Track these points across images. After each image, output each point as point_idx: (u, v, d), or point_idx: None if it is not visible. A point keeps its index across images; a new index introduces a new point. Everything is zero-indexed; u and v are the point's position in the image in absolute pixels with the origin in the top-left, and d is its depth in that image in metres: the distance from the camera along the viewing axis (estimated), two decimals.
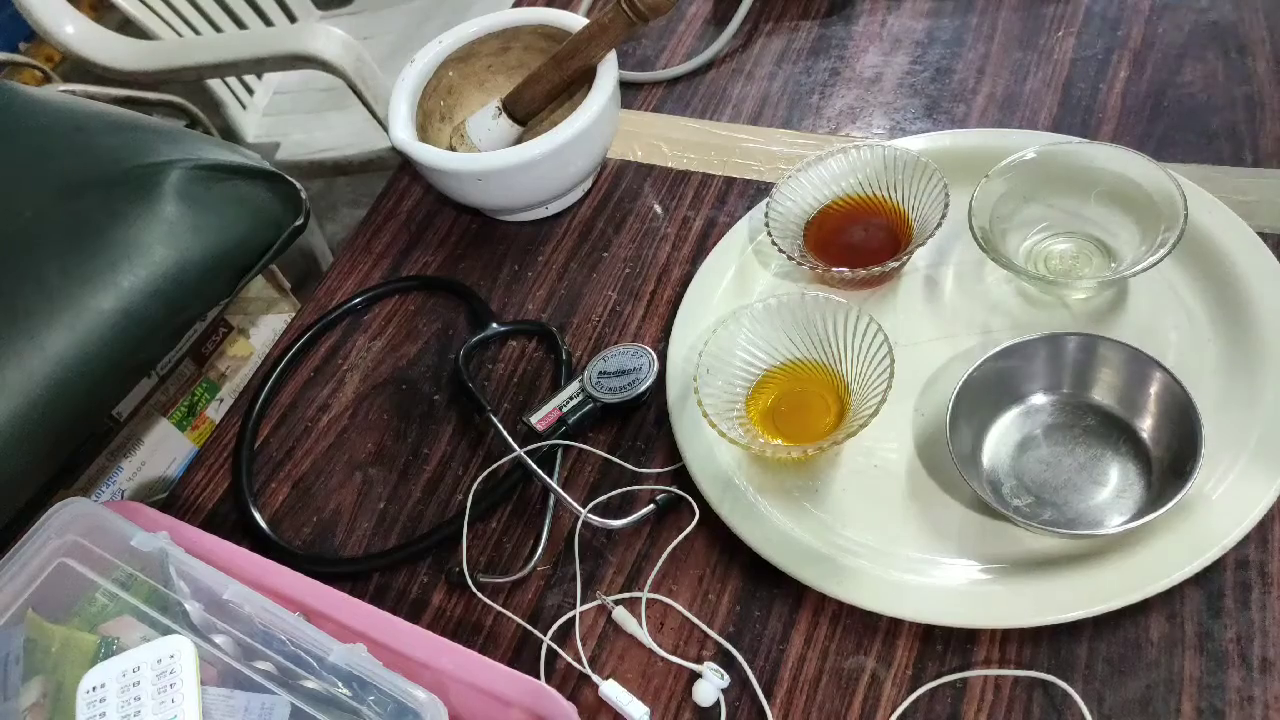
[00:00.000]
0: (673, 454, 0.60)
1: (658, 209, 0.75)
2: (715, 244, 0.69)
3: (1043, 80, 0.74)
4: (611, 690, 0.52)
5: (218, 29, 1.48)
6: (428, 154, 0.70)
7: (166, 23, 1.41)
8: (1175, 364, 0.53)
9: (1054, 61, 0.75)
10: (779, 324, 0.60)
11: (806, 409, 0.59)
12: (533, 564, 0.58)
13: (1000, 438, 0.56)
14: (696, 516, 0.57)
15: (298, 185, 0.86)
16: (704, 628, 0.54)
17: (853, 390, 0.58)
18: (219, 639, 0.48)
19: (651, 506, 0.58)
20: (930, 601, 0.51)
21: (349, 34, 1.18)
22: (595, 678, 0.53)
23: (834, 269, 0.62)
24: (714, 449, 0.58)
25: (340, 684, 0.46)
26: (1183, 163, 0.66)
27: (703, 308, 0.66)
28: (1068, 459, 0.54)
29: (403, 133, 0.72)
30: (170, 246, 0.77)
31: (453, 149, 0.75)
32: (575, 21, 0.74)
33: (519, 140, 0.75)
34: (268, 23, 1.54)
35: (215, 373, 1.01)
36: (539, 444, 0.61)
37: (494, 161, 0.69)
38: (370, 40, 1.56)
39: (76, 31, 1.25)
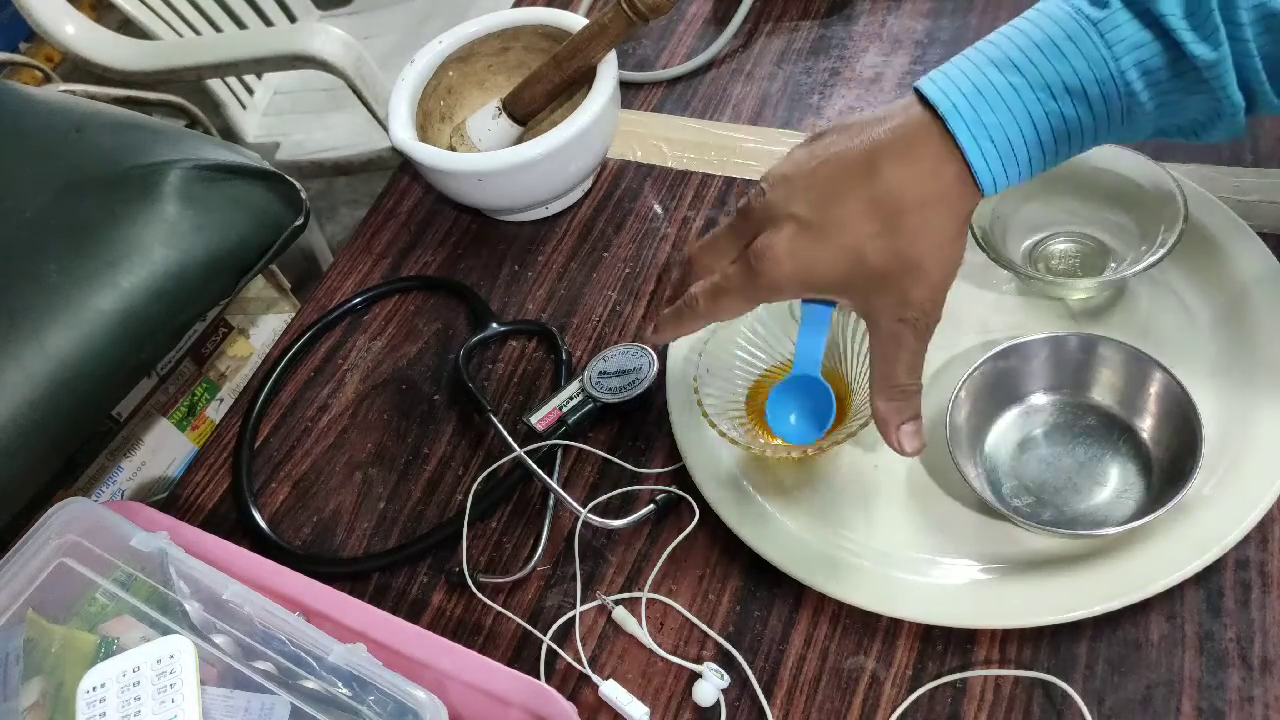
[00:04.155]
0: (673, 454, 0.60)
1: (658, 209, 0.75)
2: None
3: None
4: (611, 690, 0.52)
5: (218, 29, 1.48)
6: (428, 154, 0.70)
7: (166, 23, 1.41)
8: (1175, 364, 0.53)
9: None
10: (779, 324, 0.60)
11: None
12: (533, 564, 0.58)
13: (1000, 438, 0.56)
14: (696, 516, 0.57)
15: (298, 185, 0.86)
16: (704, 628, 0.54)
17: (853, 390, 0.58)
18: (219, 639, 0.49)
19: (651, 506, 0.58)
20: (930, 601, 0.51)
21: (349, 34, 1.18)
22: (595, 678, 0.52)
23: None
24: (714, 449, 0.58)
25: (340, 684, 0.46)
26: (1183, 163, 0.66)
27: None
28: (1068, 459, 0.54)
29: (403, 133, 0.72)
30: (170, 246, 0.77)
31: (453, 149, 0.75)
32: (575, 21, 0.74)
33: (519, 140, 0.75)
34: (268, 23, 1.54)
35: (215, 373, 1.01)
36: (539, 444, 0.61)
37: (494, 161, 0.69)
38: (370, 40, 1.56)
39: (76, 31, 1.25)
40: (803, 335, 0.53)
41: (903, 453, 0.49)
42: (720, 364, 0.59)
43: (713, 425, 0.55)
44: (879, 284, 0.46)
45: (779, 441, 0.57)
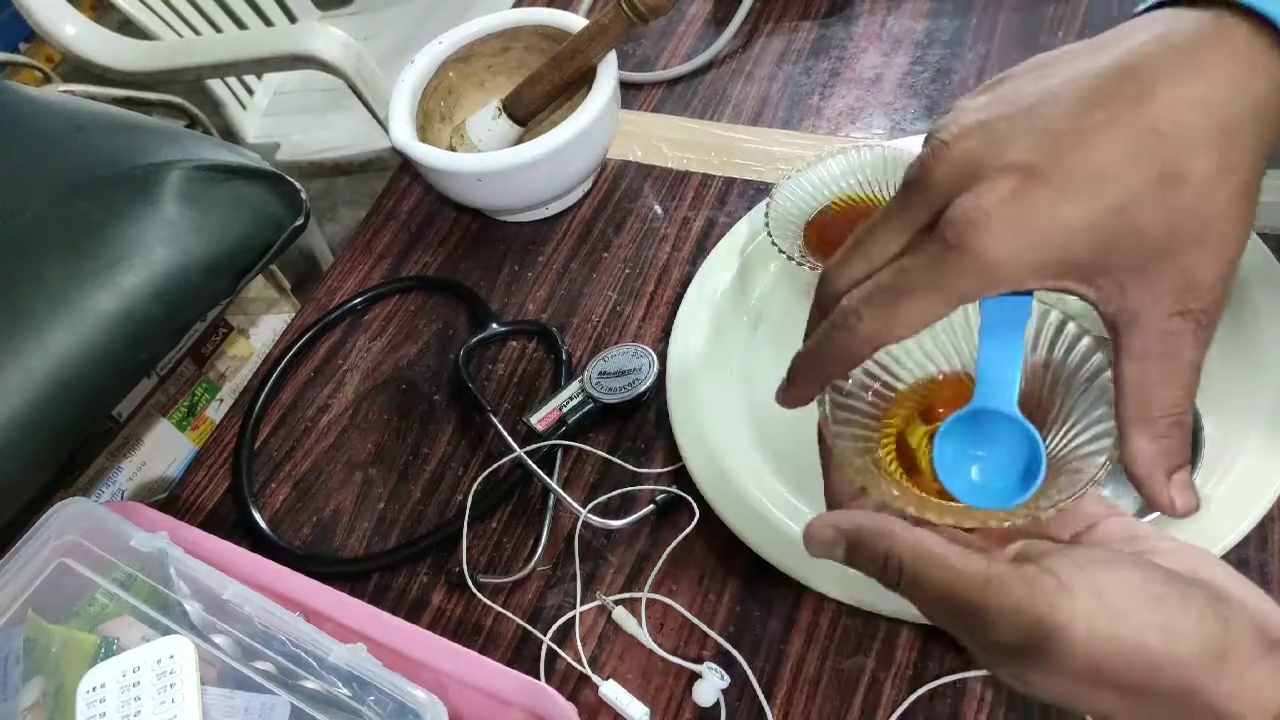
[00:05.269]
0: (673, 454, 0.60)
1: (658, 209, 0.75)
2: (715, 244, 0.69)
3: None
4: (611, 690, 0.52)
5: (218, 29, 1.48)
6: (428, 154, 0.71)
7: (166, 23, 1.41)
8: None
9: None
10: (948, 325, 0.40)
11: None
12: (533, 564, 0.58)
13: None
14: (696, 516, 0.57)
15: (298, 185, 0.86)
16: (704, 628, 0.54)
17: (1048, 440, 0.38)
18: (219, 639, 0.49)
19: (651, 506, 0.58)
20: None
21: (349, 34, 1.18)
22: (595, 678, 0.53)
23: None
24: (714, 449, 0.58)
25: (340, 684, 0.46)
26: None
27: (703, 308, 0.66)
28: None
29: (403, 133, 0.72)
30: (170, 246, 0.77)
31: (453, 149, 0.75)
32: (575, 22, 0.74)
33: (519, 140, 0.75)
34: (268, 23, 1.54)
35: (215, 373, 1.01)
36: (539, 444, 0.61)
37: (494, 161, 0.69)
38: (370, 40, 1.56)
39: (76, 32, 1.25)
40: (987, 347, 0.36)
41: (1172, 511, 0.34)
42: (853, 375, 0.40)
43: (858, 477, 0.37)
44: (1152, 259, 0.32)
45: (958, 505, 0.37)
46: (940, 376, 0.40)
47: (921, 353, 0.40)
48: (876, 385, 0.40)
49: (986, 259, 0.32)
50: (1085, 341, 0.36)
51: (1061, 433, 0.37)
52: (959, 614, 0.32)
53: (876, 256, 0.35)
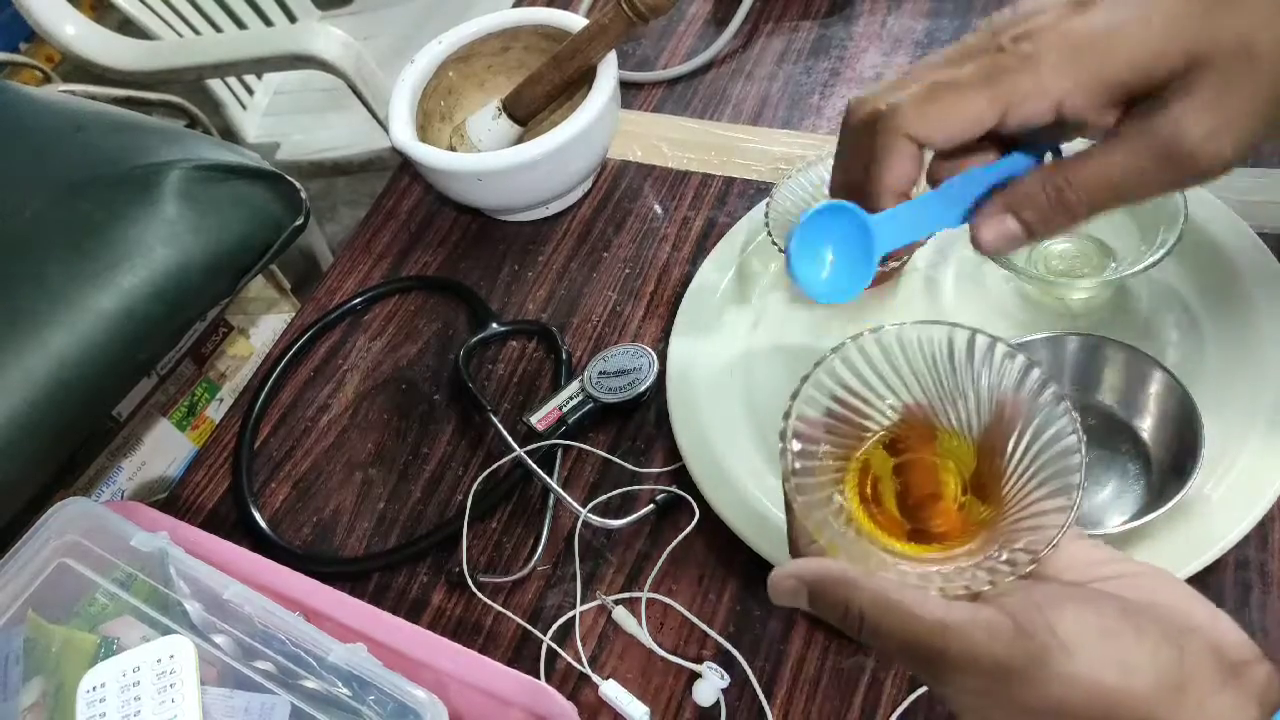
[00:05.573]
0: (673, 454, 0.60)
1: (658, 209, 0.75)
2: (715, 244, 0.69)
3: None
4: (611, 690, 0.52)
5: (218, 29, 1.48)
6: (428, 154, 0.71)
7: (166, 23, 1.41)
8: (1175, 364, 0.53)
9: None
10: (906, 361, 0.40)
11: (923, 481, 0.41)
12: (533, 564, 0.58)
13: None
14: (696, 516, 0.57)
15: (298, 185, 0.86)
16: (704, 628, 0.54)
17: (1009, 487, 0.38)
18: (219, 639, 0.49)
19: (651, 506, 0.58)
20: None
21: (349, 34, 1.18)
22: (595, 678, 0.53)
23: None
24: (714, 449, 0.58)
25: (340, 684, 0.46)
26: None
27: (703, 308, 0.66)
28: None
29: (403, 133, 0.72)
30: (170, 246, 0.77)
31: (453, 149, 0.75)
32: (575, 21, 0.74)
33: (519, 140, 0.75)
34: (268, 23, 1.54)
35: (215, 373, 1.01)
36: (539, 444, 0.61)
37: (494, 161, 0.69)
38: (370, 40, 1.56)
39: (76, 32, 1.25)
40: (935, 194, 0.39)
41: (980, 241, 0.38)
42: (812, 419, 0.40)
43: (816, 532, 0.37)
44: (1184, 75, 0.33)
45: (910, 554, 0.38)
46: (909, 408, 0.41)
47: (893, 396, 0.41)
48: (845, 428, 0.41)
49: (1034, 64, 0.34)
50: (1019, 360, 0.37)
51: (1018, 473, 0.37)
52: (920, 660, 0.33)
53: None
